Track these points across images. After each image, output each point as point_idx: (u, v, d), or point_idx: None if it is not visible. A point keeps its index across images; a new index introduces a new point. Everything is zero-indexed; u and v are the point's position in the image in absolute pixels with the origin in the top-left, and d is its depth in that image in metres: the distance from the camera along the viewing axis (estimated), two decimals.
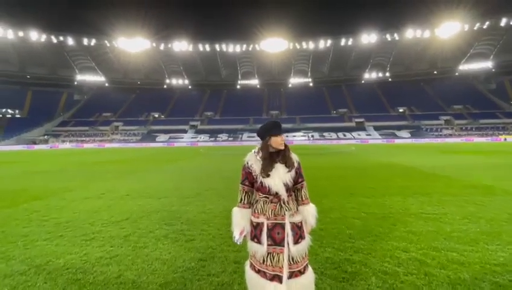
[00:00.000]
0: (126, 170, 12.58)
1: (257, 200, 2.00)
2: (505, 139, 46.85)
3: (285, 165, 1.96)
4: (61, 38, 60.90)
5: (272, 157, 1.98)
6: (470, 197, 5.99)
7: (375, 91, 75.51)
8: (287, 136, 57.41)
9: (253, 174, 1.97)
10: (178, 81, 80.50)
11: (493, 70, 68.24)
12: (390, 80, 76.76)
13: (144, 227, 4.35)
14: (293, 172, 1.99)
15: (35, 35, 58.31)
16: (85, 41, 62.37)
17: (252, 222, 1.98)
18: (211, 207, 5.49)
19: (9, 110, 65.52)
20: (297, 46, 66.35)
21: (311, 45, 65.80)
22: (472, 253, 3.23)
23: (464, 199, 5.84)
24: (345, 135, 56.72)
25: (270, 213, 1.94)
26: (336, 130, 59.20)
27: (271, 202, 1.95)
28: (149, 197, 6.52)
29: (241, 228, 1.98)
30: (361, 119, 64.44)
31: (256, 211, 1.98)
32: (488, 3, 52.53)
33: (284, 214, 1.93)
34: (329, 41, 64.88)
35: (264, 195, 1.97)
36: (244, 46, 66.60)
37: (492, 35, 61.66)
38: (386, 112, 67.24)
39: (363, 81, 78.84)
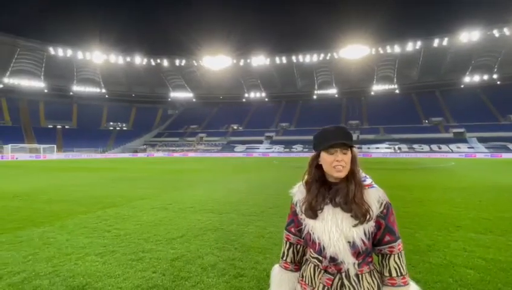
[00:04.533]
0: (199, 179, 12.88)
1: (307, 260, 1.21)
2: None
3: (349, 213, 1.10)
4: (158, 60, 69.95)
5: (324, 185, 1.16)
6: None
7: (478, 97, 64.16)
8: (368, 148, 53.03)
9: (300, 214, 1.20)
10: (255, 94, 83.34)
11: None
12: (499, 82, 64.18)
13: (195, 249, 3.88)
14: (370, 223, 1.10)
15: (139, 59, 68.32)
16: (177, 61, 70.18)
17: None
18: (272, 230, 4.76)
19: (119, 124, 77.59)
20: (381, 51, 61.41)
21: (396, 49, 60.06)
22: None
23: None
24: (440, 148, 49.25)
25: None
26: (428, 141, 51.94)
27: (325, 272, 1.13)
28: (211, 212, 6.17)
29: None
30: (461, 130, 55.16)
31: (304, 280, 1.18)
32: None
33: None
34: (418, 43, 58.13)
35: (315, 255, 1.16)
36: (322, 55, 65.00)
37: None
38: (494, 121, 56.14)
39: (462, 86, 67.94)
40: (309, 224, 1.14)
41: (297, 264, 1.26)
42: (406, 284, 1.12)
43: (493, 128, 52.41)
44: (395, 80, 71.73)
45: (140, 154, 59.18)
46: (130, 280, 3.01)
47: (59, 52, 61.39)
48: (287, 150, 57.79)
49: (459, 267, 3.25)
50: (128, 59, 67.49)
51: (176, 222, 5.38)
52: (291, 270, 1.24)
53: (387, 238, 1.13)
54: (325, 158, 1.12)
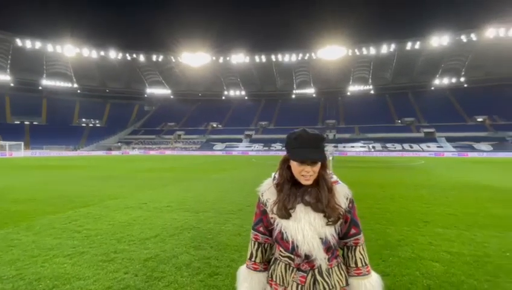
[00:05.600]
0: (176, 177, 12.66)
1: (276, 259, 1.21)
2: None
3: (321, 213, 1.13)
4: (134, 55, 67.83)
5: (295, 184, 1.18)
6: None
7: (447, 98, 67.62)
8: (344, 146, 54.38)
9: (271, 214, 1.19)
10: (235, 92, 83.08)
11: None
12: (466, 85, 68.02)
13: (170, 249, 3.81)
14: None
15: (114, 54, 65.91)
16: (154, 57, 68.40)
17: None
18: (249, 228, 4.73)
19: (92, 120, 74.54)
20: (357, 53, 63.13)
21: (372, 51, 62.01)
22: None
23: None
24: (411, 147, 51.43)
25: (295, 289, 1.13)
26: (401, 141, 54.09)
27: (298, 269, 1.14)
28: (187, 211, 6.08)
29: None
30: (432, 130, 57.92)
31: (274, 279, 1.19)
32: None
33: None
34: (393, 46, 60.37)
35: (286, 254, 1.16)
36: (300, 55, 65.86)
37: None
38: (461, 122, 59.40)
39: (432, 88, 71.36)
40: (281, 223, 1.14)
41: (265, 264, 1.26)
42: (369, 272, 1.18)
43: (460, 129, 55.45)
44: (370, 81, 74.08)
45: (114, 152, 57.25)
46: (100, 282, 2.91)
47: (27, 44, 58.05)
48: (266, 148, 58.08)
49: (425, 261, 3.41)
50: (102, 53, 64.99)
51: (151, 221, 5.25)
52: (260, 271, 1.24)
53: (352, 231, 1.19)
54: (294, 166, 1.13)
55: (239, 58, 67.39)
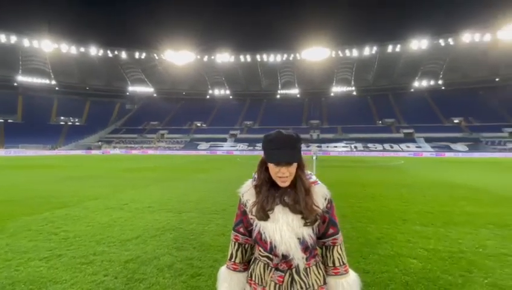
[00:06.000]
0: (159, 177, 12.45)
1: (256, 259, 1.22)
2: None
3: (299, 215, 1.14)
4: (115, 52, 66.03)
5: (273, 186, 1.19)
6: None
7: (426, 100, 69.97)
8: (327, 146, 55.19)
9: (250, 215, 1.21)
10: (220, 92, 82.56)
11: None
12: (443, 88, 70.67)
13: (151, 250, 3.75)
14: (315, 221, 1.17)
15: (94, 50, 63.95)
16: (136, 54, 66.80)
17: None
18: None
19: (71, 118, 72.04)
20: (340, 54, 64.23)
21: (354, 53, 63.23)
22: None
23: None
24: (392, 147, 52.86)
25: (272, 289, 1.14)
26: (381, 141, 55.50)
27: (276, 269, 1.15)
28: (170, 211, 6.00)
29: None
30: (411, 130, 59.75)
31: (254, 279, 1.20)
32: None
33: None
34: (374, 49, 61.79)
35: (265, 254, 1.17)
36: (285, 55, 66.26)
37: None
38: (439, 123, 61.65)
39: (412, 90, 73.61)
40: (260, 224, 1.15)
41: (245, 264, 1.26)
42: (347, 272, 1.20)
43: (438, 130, 57.56)
44: (353, 83, 75.58)
45: (94, 152, 55.62)
46: (78, 285, 2.82)
47: (1, 38, 55.36)
48: (251, 148, 58.08)
49: (404, 258, 3.52)
50: (82, 49, 62.90)
51: (132, 222, 5.15)
52: (240, 271, 1.25)
53: (331, 231, 1.20)
54: (271, 168, 1.14)
55: (224, 57, 67.03)
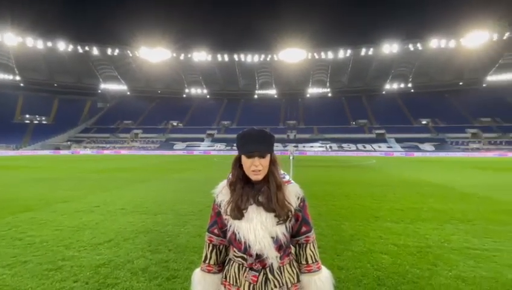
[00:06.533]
0: (132, 178, 12.08)
1: (230, 260, 1.22)
2: None
3: (272, 213, 1.15)
4: (86, 48, 63.19)
5: (247, 183, 1.20)
6: None
7: (396, 102, 73.12)
8: (304, 146, 56.15)
9: (224, 215, 1.20)
10: (197, 91, 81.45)
11: None
12: (412, 90, 74.20)
13: (124, 254, 3.63)
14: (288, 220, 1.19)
15: (63, 45, 60.80)
16: (109, 51, 64.32)
17: None
18: None
19: (37, 117, 68.11)
20: (316, 56, 65.54)
21: (330, 55, 64.81)
22: None
23: None
24: (364, 147, 54.72)
25: (247, 289, 1.15)
26: (355, 141, 57.31)
27: (250, 269, 1.16)
28: (144, 213, 5.84)
29: None
30: (382, 131, 62.20)
31: (228, 280, 1.20)
32: None
33: None
34: (349, 51, 63.67)
35: (239, 254, 1.18)
36: (263, 56, 66.61)
37: None
38: (408, 124, 64.66)
39: (384, 92, 76.63)
40: (234, 224, 1.15)
41: (220, 266, 1.26)
42: (319, 269, 1.23)
43: (407, 130, 60.35)
44: (328, 84, 77.37)
45: (63, 152, 53.01)
46: None
47: None
48: (229, 148, 57.81)
49: (376, 253, 3.66)
50: (49, 44, 59.59)
51: (104, 225, 4.96)
52: (214, 273, 1.25)
53: (303, 229, 1.22)
54: (245, 161, 1.16)
55: (201, 56, 66.18)
